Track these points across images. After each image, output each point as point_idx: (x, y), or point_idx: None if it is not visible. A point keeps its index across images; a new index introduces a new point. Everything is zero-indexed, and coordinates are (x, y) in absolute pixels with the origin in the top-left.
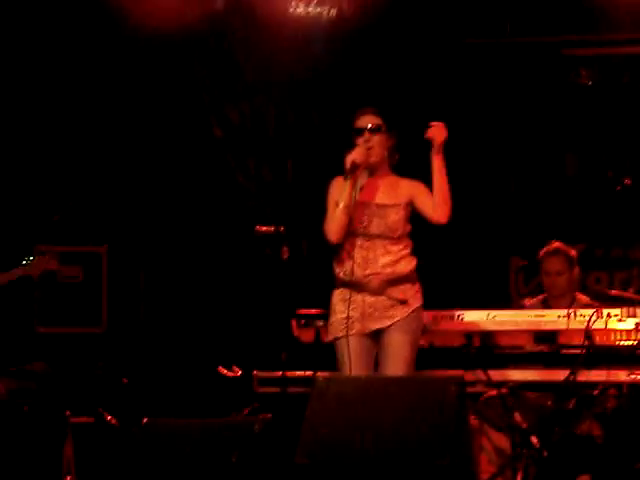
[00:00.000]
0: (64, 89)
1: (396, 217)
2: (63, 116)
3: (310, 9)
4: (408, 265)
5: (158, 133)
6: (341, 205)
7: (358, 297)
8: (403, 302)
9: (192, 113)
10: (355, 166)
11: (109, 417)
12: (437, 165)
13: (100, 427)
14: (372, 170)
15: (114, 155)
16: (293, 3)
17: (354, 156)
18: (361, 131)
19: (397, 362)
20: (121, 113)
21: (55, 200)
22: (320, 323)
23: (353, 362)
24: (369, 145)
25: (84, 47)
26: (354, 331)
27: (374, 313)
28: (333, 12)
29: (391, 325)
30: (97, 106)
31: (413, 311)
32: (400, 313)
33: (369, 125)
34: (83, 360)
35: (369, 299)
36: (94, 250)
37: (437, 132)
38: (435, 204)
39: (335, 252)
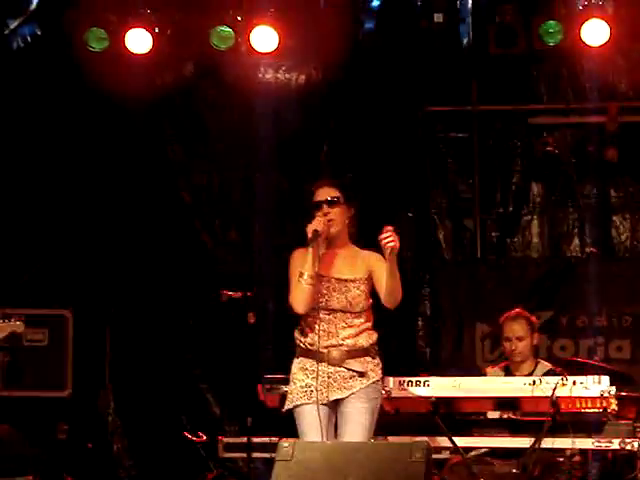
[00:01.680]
0: (34, 149)
1: (357, 292)
2: (29, 176)
3: (279, 75)
4: (369, 339)
5: (125, 196)
6: (305, 275)
7: (318, 367)
8: (362, 374)
9: (160, 176)
10: (317, 235)
11: None
12: (390, 269)
13: None
14: (331, 241)
15: (81, 217)
16: (262, 69)
17: (315, 225)
18: (319, 205)
19: (355, 429)
20: (89, 175)
21: (20, 262)
22: (286, 388)
23: (313, 429)
24: (328, 218)
25: (55, 108)
26: (313, 399)
27: (333, 384)
28: (302, 78)
29: (351, 395)
30: (65, 167)
31: (373, 383)
32: (358, 384)
33: (327, 198)
34: (47, 424)
35: (328, 370)
36: (59, 313)
37: (392, 239)
38: (386, 295)
39: (297, 322)
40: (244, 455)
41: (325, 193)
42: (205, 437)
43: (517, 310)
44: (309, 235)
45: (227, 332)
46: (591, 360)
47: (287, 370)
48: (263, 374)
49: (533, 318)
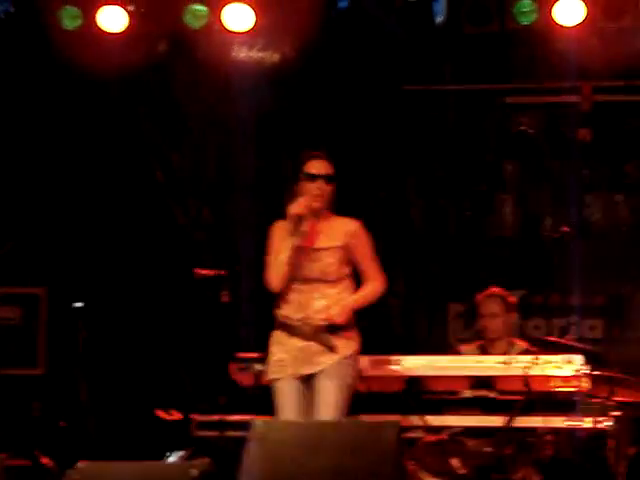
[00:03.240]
0: (5, 128)
1: (330, 260)
2: (1, 154)
3: (253, 54)
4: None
5: (99, 175)
6: (282, 255)
7: (290, 341)
8: (333, 349)
9: (134, 155)
10: (300, 219)
11: (45, 460)
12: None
13: (36, 470)
14: (313, 214)
15: (54, 195)
16: (236, 48)
17: (296, 209)
18: (314, 177)
19: (326, 408)
20: (63, 153)
21: None
22: (259, 367)
23: (285, 405)
24: (320, 193)
25: (28, 86)
26: (286, 374)
27: (304, 358)
28: (276, 57)
29: (321, 371)
30: (38, 145)
31: (345, 358)
32: (327, 360)
33: (325, 173)
34: (20, 402)
35: (299, 344)
36: (32, 292)
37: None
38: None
39: (276, 294)
40: (217, 433)
41: (322, 167)
42: (178, 415)
43: (493, 289)
44: (292, 219)
45: (201, 311)
46: (564, 339)
47: (261, 349)
48: (236, 353)
49: (510, 298)
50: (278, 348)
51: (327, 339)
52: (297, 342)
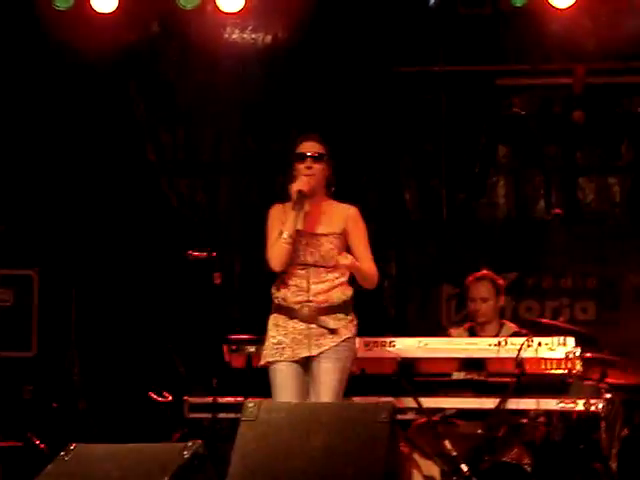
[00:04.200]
0: None
1: (329, 246)
2: None
3: (245, 35)
4: (342, 295)
5: (92, 155)
6: (285, 234)
7: (289, 323)
8: (333, 331)
9: (126, 136)
10: (303, 196)
11: (38, 442)
12: (350, 269)
13: (28, 451)
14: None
15: (46, 177)
16: (228, 29)
17: (300, 186)
18: (303, 157)
19: (325, 390)
20: (54, 134)
21: None
22: (251, 349)
23: (283, 388)
24: (310, 172)
25: (18, 68)
26: (284, 357)
27: (303, 340)
28: (268, 38)
29: (320, 354)
30: (30, 128)
31: (343, 341)
32: (329, 342)
33: (313, 152)
34: (12, 384)
35: (300, 326)
36: (25, 273)
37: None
38: (359, 281)
39: (274, 278)
40: (209, 415)
41: (310, 147)
42: (170, 397)
43: (483, 272)
44: (293, 196)
45: (193, 292)
46: (556, 321)
47: (253, 331)
48: (228, 335)
49: (499, 280)
50: (277, 331)
51: (327, 321)
52: (297, 325)
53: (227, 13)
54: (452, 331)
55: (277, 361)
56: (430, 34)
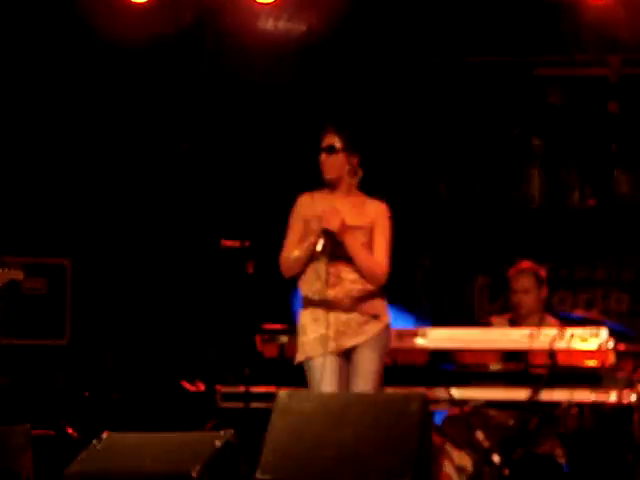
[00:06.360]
0: (34, 99)
1: (362, 239)
2: (29, 124)
3: (279, 24)
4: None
5: (125, 145)
6: (299, 254)
7: (330, 316)
8: (376, 316)
9: (160, 126)
10: (326, 234)
11: (70, 430)
12: (346, 247)
13: (61, 440)
14: (333, 187)
15: (80, 167)
16: (262, 18)
17: (330, 225)
18: (320, 150)
19: (367, 379)
20: (88, 123)
21: (20, 211)
22: (284, 339)
23: (330, 381)
24: (330, 165)
25: (54, 57)
26: (329, 350)
27: (348, 330)
28: (302, 28)
29: (364, 342)
30: (65, 117)
31: (385, 327)
32: (374, 328)
33: (329, 144)
34: (45, 372)
35: (342, 317)
36: (59, 262)
37: (330, 220)
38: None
39: (301, 272)
40: (241, 405)
41: (327, 140)
42: (203, 386)
43: (525, 263)
44: (318, 231)
45: (226, 281)
46: (590, 313)
47: (285, 320)
48: (261, 324)
49: (541, 272)
50: (316, 325)
51: (367, 308)
52: (339, 315)
53: (262, 2)
54: (494, 319)
55: (320, 355)
56: (468, 24)
